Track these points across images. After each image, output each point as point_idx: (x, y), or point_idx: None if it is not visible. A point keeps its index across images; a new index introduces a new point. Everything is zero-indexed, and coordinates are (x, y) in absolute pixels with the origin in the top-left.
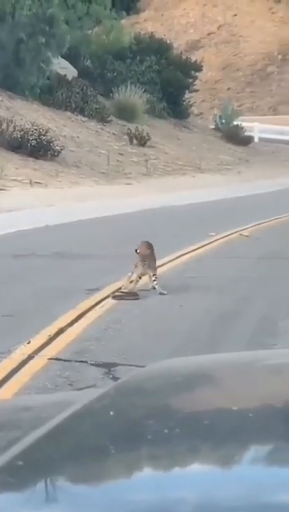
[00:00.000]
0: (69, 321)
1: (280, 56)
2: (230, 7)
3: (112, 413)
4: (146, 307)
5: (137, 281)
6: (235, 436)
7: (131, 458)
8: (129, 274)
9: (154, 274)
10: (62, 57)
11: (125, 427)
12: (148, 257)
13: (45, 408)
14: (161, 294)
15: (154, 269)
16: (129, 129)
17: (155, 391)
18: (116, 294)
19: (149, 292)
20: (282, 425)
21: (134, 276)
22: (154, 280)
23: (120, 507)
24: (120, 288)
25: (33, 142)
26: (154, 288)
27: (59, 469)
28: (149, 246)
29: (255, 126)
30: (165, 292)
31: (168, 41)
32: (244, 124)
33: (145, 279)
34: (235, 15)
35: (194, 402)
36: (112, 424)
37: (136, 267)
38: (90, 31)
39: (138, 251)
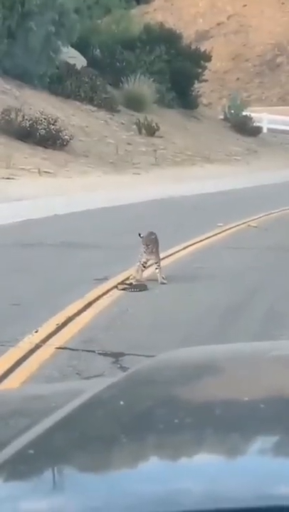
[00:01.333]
0: (76, 310)
1: None
2: None
3: (121, 403)
4: (154, 297)
5: (142, 270)
6: (242, 427)
7: (137, 448)
8: (138, 263)
9: (156, 262)
10: (72, 46)
11: (133, 417)
12: (152, 243)
13: (55, 397)
14: (162, 283)
15: (157, 256)
16: (138, 118)
17: (164, 381)
18: (123, 285)
19: (157, 282)
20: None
21: (139, 265)
22: (157, 269)
23: (125, 497)
24: (128, 278)
25: (42, 131)
26: (163, 278)
27: (68, 458)
28: (153, 234)
29: (264, 117)
30: (166, 282)
31: (177, 31)
32: (253, 115)
33: (151, 267)
34: (245, 5)
35: (202, 392)
36: (120, 414)
37: (141, 254)
38: (99, 21)
39: (142, 235)
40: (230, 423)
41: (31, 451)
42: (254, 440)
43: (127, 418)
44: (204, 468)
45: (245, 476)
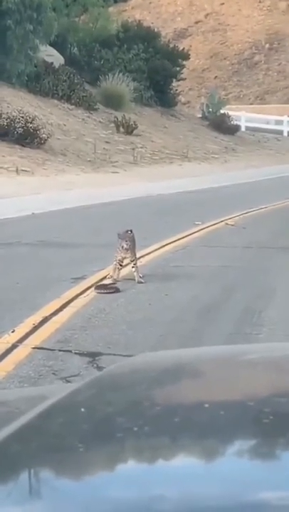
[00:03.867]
0: (54, 309)
1: (267, 45)
2: None
3: (86, 408)
4: (131, 296)
5: (119, 268)
6: (217, 433)
7: (112, 453)
8: (114, 262)
9: (132, 261)
10: (50, 44)
11: (104, 421)
12: (128, 241)
13: (20, 402)
14: (139, 282)
15: (134, 255)
16: (115, 117)
17: (130, 386)
18: (99, 285)
19: (134, 281)
20: (265, 421)
21: (116, 264)
22: (133, 267)
23: (102, 503)
24: (105, 277)
25: (20, 130)
26: (141, 277)
27: (42, 465)
28: (129, 232)
29: (242, 115)
30: (143, 281)
31: (155, 29)
32: (231, 113)
33: (129, 266)
34: (223, 3)
35: (171, 397)
36: (91, 419)
37: (120, 252)
38: (77, 19)
39: (119, 234)
40: (205, 428)
41: (3, 457)
42: (231, 445)
43: (96, 423)
44: (181, 475)
45: (222, 482)
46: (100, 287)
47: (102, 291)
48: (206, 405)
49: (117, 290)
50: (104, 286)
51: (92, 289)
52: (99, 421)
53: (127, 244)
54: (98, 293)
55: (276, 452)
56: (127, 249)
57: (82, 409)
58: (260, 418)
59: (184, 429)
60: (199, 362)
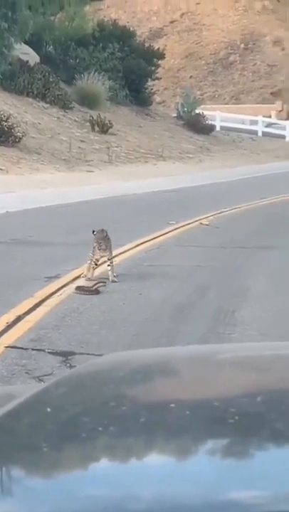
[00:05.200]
0: (27, 308)
1: (242, 45)
2: None
3: (54, 408)
4: (105, 295)
5: (94, 268)
6: (189, 432)
7: (83, 453)
8: (89, 261)
9: (109, 259)
10: (25, 42)
11: (72, 421)
12: (104, 240)
13: None
14: (113, 281)
15: (110, 254)
16: (91, 116)
17: (99, 385)
18: (79, 286)
19: (108, 280)
20: (237, 421)
21: (90, 263)
22: (109, 265)
23: (74, 502)
24: (79, 276)
25: None
26: (115, 276)
27: (13, 462)
28: (105, 231)
29: (217, 115)
30: (117, 280)
31: (131, 29)
32: (206, 113)
33: (103, 265)
34: (199, 3)
35: (140, 397)
36: (58, 419)
37: (93, 251)
38: (52, 17)
39: (95, 232)
40: (178, 427)
41: None
42: (204, 445)
43: (68, 421)
44: (154, 474)
45: (196, 482)
46: (81, 288)
47: (83, 292)
48: (177, 405)
49: (97, 292)
50: (86, 288)
51: (66, 287)
52: (67, 420)
53: (102, 244)
54: (78, 293)
55: (249, 452)
56: (104, 249)
57: (50, 409)
58: (231, 418)
59: (154, 428)
60: (169, 361)
